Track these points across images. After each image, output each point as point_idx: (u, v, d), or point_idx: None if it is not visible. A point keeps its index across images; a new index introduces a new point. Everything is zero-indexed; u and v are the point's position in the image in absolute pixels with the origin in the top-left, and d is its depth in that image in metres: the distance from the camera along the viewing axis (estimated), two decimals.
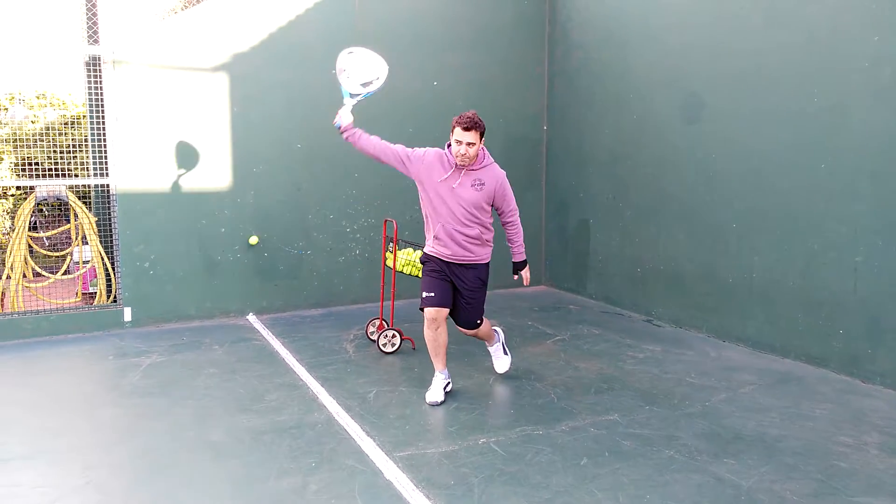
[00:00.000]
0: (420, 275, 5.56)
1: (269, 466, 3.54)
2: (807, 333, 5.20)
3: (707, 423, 4.10)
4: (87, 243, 6.34)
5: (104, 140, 6.07)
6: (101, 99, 6.03)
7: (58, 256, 6.60)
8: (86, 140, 6.33)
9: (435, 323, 4.43)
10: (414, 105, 7.29)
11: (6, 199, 8.54)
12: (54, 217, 6.82)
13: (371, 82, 4.57)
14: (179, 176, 6.33)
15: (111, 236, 6.23)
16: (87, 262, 6.43)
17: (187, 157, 6.34)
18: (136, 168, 6.15)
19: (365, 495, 3.24)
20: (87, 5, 6.09)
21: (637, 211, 6.78)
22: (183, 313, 6.47)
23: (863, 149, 4.74)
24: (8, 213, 8.37)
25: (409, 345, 5.69)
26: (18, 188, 7.92)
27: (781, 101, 5.27)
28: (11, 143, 7.14)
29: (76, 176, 6.43)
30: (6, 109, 8.64)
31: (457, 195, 4.32)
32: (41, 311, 6.02)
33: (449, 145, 4.36)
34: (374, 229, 7.23)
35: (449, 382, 4.60)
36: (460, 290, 4.47)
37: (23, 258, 6.08)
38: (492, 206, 4.43)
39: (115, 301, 6.31)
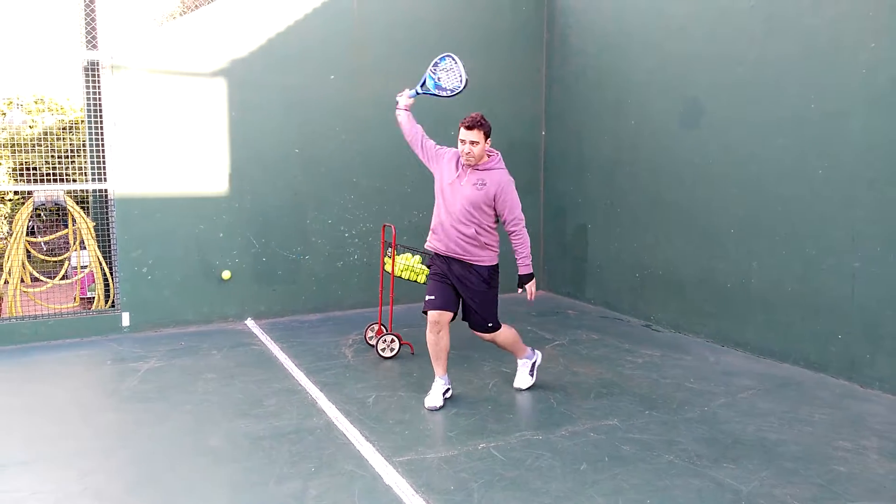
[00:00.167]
0: (418, 280, 5.58)
1: (268, 472, 3.53)
2: (805, 338, 5.21)
3: (706, 428, 4.10)
4: (84, 248, 6.33)
5: (102, 145, 6.06)
6: (100, 104, 6.03)
7: (56, 261, 6.59)
8: (84, 145, 6.33)
9: (437, 326, 4.44)
10: (413, 111, 7.27)
11: (4, 203, 8.53)
12: (52, 222, 6.81)
13: (446, 90, 4.77)
14: (177, 181, 6.32)
15: (109, 241, 6.22)
16: (85, 266, 6.41)
17: (185, 162, 6.34)
18: (134, 173, 6.15)
19: (364, 500, 3.23)
20: (85, 10, 6.09)
21: (635, 216, 6.79)
22: (181, 318, 6.45)
23: (861, 155, 4.75)
24: (6, 218, 8.36)
25: (407, 350, 5.69)
26: (16, 193, 7.91)
27: (780, 107, 5.29)
28: (9, 148, 7.13)
29: (74, 181, 6.43)
30: (4, 114, 8.63)
31: (459, 192, 4.39)
32: (39, 316, 6.01)
33: None
34: (372, 234, 7.22)
35: (449, 388, 4.59)
36: (462, 293, 4.46)
37: (21, 263, 6.07)
38: (495, 211, 4.40)
39: (113, 306, 6.29)
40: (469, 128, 4.28)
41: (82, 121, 6.76)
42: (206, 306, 6.55)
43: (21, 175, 6.38)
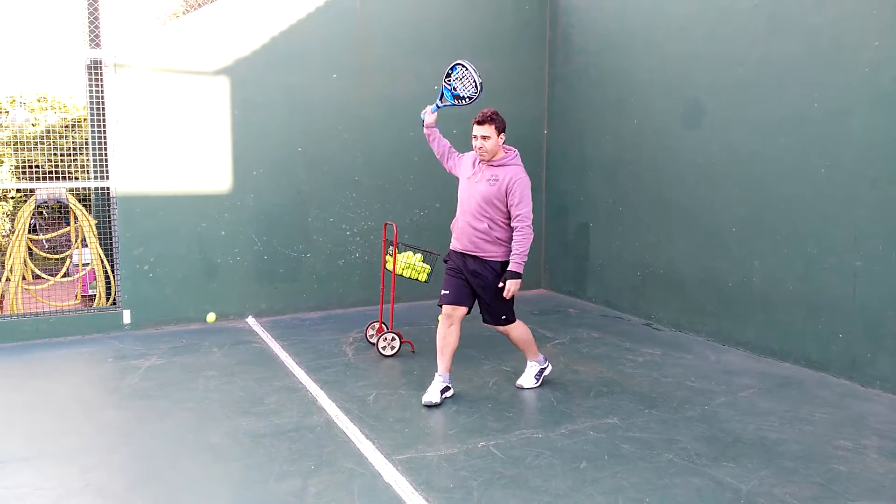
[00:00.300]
0: (419, 278, 5.59)
1: (268, 469, 3.54)
2: (806, 337, 5.20)
3: (706, 427, 4.10)
4: (86, 246, 6.34)
5: (105, 143, 6.07)
6: (102, 102, 6.04)
7: (57, 259, 6.61)
8: (86, 143, 6.34)
9: (448, 320, 4.52)
10: (415, 109, 7.26)
11: (6, 201, 8.55)
12: (54, 219, 6.83)
13: (464, 98, 4.78)
14: (180, 179, 6.33)
15: (111, 239, 6.23)
16: (87, 264, 6.43)
17: (187, 160, 6.35)
18: (137, 171, 6.16)
19: (364, 498, 3.24)
20: (88, 9, 6.11)
21: (637, 215, 6.79)
22: (182, 316, 6.47)
23: (863, 154, 4.74)
24: (8, 216, 8.38)
25: (408, 348, 5.69)
26: (18, 191, 7.93)
27: (782, 106, 5.28)
28: (12, 146, 7.15)
29: (76, 178, 6.44)
30: (7, 112, 8.65)
31: (475, 188, 4.49)
32: (41, 314, 6.02)
33: None
34: (373, 232, 7.23)
35: (449, 387, 4.58)
36: (476, 288, 4.51)
37: (22, 260, 6.08)
38: (507, 206, 4.42)
39: (114, 303, 6.31)
40: (480, 123, 4.38)
41: (85, 119, 6.78)
42: (208, 304, 6.55)
43: (23, 173, 6.40)
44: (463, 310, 4.54)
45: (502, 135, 4.45)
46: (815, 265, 5.09)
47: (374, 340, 5.79)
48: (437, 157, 4.84)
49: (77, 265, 6.56)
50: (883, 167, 4.62)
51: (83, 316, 6.14)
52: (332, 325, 6.55)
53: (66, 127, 7.82)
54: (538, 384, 4.80)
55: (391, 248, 5.53)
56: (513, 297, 4.50)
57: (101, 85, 6.02)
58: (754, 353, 5.59)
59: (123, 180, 6.12)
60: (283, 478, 3.44)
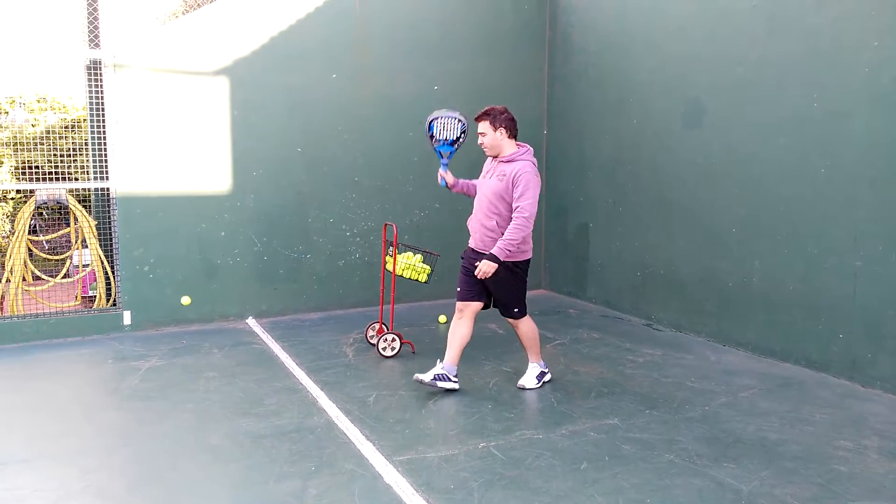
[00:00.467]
0: (420, 278, 5.59)
1: (268, 470, 3.53)
2: (807, 338, 5.20)
3: (707, 428, 4.10)
4: (86, 247, 6.34)
5: (104, 144, 6.07)
6: (102, 102, 6.04)
7: (57, 260, 6.60)
8: (86, 144, 6.34)
9: (460, 314, 4.71)
10: (415, 110, 7.29)
11: (6, 202, 8.54)
12: (54, 220, 6.82)
13: (458, 140, 4.92)
14: (179, 180, 6.33)
15: (111, 240, 6.23)
16: (87, 265, 6.43)
17: (187, 161, 6.35)
18: (137, 172, 6.15)
19: (364, 499, 3.24)
20: (88, 9, 6.10)
21: (637, 215, 6.79)
22: (182, 317, 6.46)
23: (863, 154, 4.74)
24: (8, 217, 8.38)
25: (408, 349, 5.69)
26: (18, 191, 7.93)
27: (782, 107, 5.28)
28: (12, 147, 7.15)
29: (76, 179, 6.44)
30: (7, 113, 8.65)
31: (486, 186, 4.61)
32: (41, 315, 6.02)
33: None
34: (373, 233, 7.23)
35: (447, 378, 4.62)
36: (488, 284, 4.61)
37: (22, 262, 6.08)
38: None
39: (114, 304, 6.30)
40: (477, 120, 4.58)
41: (84, 119, 6.77)
42: (208, 305, 6.55)
43: (23, 174, 6.39)
44: (474, 305, 4.67)
45: (501, 130, 4.54)
46: (816, 265, 5.09)
47: (374, 341, 5.79)
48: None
49: (77, 266, 6.56)
50: (883, 168, 4.62)
51: (83, 317, 6.13)
52: (332, 326, 6.55)
53: (66, 128, 7.82)
54: (539, 385, 4.80)
55: (391, 248, 5.53)
56: (523, 291, 4.66)
57: (101, 85, 6.02)
58: (755, 354, 5.59)
59: (123, 181, 6.11)
60: (283, 479, 3.44)
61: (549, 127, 8.05)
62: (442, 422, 4.19)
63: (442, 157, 4.85)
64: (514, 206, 4.45)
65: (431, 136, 4.86)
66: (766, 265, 5.47)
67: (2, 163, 8.22)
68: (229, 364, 5.32)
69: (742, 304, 5.70)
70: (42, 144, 6.58)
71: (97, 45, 6.05)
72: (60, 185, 6.06)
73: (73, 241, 6.35)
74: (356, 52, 6.97)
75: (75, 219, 6.25)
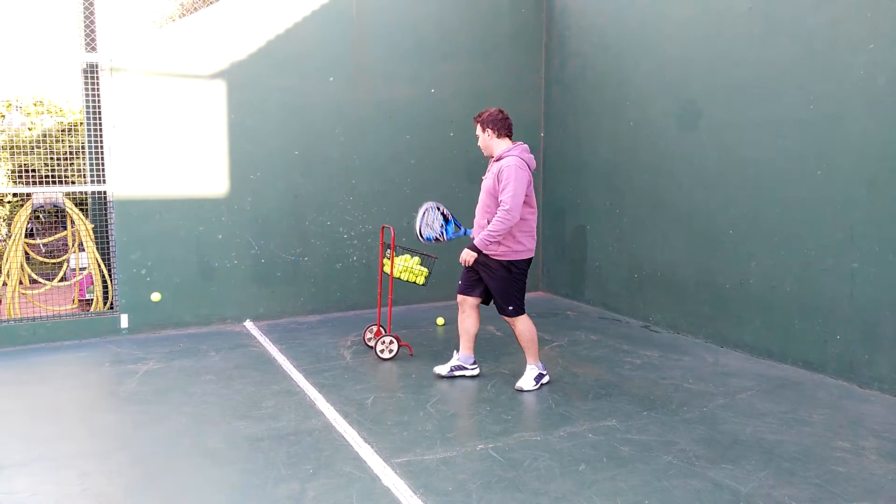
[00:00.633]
0: (417, 281, 5.59)
1: (266, 473, 3.53)
2: (804, 339, 5.21)
3: (705, 429, 4.10)
4: (83, 250, 6.33)
5: (101, 147, 6.07)
6: (99, 106, 6.03)
7: (54, 263, 6.59)
8: (83, 147, 6.33)
9: (460, 307, 4.96)
10: (412, 113, 7.31)
11: (3, 205, 8.53)
12: (51, 224, 6.81)
13: (447, 228, 5.20)
14: (176, 183, 6.33)
15: (108, 243, 6.22)
16: (84, 268, 6.41)
17: (184, 164, 6.34)
18: (134, 175, 6.15)
19: (363, 502, 3.23)
20: (84, 13, 6.10)
21: (634, 217, 6.80)
22: (180, 320, 6.45)
23: (859, 156, 4.76)
24: (4, 220, 8.36)
25: (406, 351, 5.69)
26: (15, 195, 7.92)
27: (778, 108, 5.29)
28: (8, 150, 7.14)
29: (73, 183, 6.43)
30: (3, 116, 8.64)
31: (483, 186, 4.79)
32: (37, 318, 6.01)
33: None
34: (371, 235, 7.23)
35: (460, 366, 5.00)
36: (485, 280, 4.78)
37: (19, 265, 6.07)
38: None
39: (111, 308, 6.29)
40: (474, 125, 4.83)
41: (81, 123, 6.76)
42: (205, 308, 6.55)
43: (20, 177, 6.38)
44: (471, 300, 4.89)
45: (489, 131, 4.72)
46: (812, 267, 5.10)
47: (372, 344, 5.79)
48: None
49: (74, 269, 6.55)
50: (879, 169, 4.64)
51: (80, 320, 6.12)
52: (329, 328, 6.54)
53: (63, 131, 7.81)
54: (537, 387, 4.80)
55: (389, 251, 5.53)
56: (519, 290, 4.74)
57: (98, 89, 6.01)
58: (752, 355, 5.60)
59: (120, 184, 6.11)
60: (281, 482, 3.43)
61: (546, 130, 8.06)
62: (440, 424, 4.19)
63: (456, 233, 5.17)
64: (500, 199, 4.56)
65: (436, 239, 5.14)
66: (763, 267, 5.48)
67: None
68: (227, 367, 5.32)
69: (739, 305, 5.70)
70: (39, 148, 6.57)
71: (94, 49, 6.05)
72: (57, 188, 6.05)
73: (70, 244, 6.34)
74: (353, 55, 6.97)
75: (72, 222, 6.24)
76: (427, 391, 4.74)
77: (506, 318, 4.83)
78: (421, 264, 5.64)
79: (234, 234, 6.61)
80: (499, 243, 4.62)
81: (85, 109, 6.15)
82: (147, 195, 6.22)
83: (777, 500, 3.25)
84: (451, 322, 6.76)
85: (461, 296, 4.92)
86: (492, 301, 4.87)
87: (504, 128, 4.74)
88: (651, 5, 6.44)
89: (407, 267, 5.58)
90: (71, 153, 6.60)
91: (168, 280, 6.36)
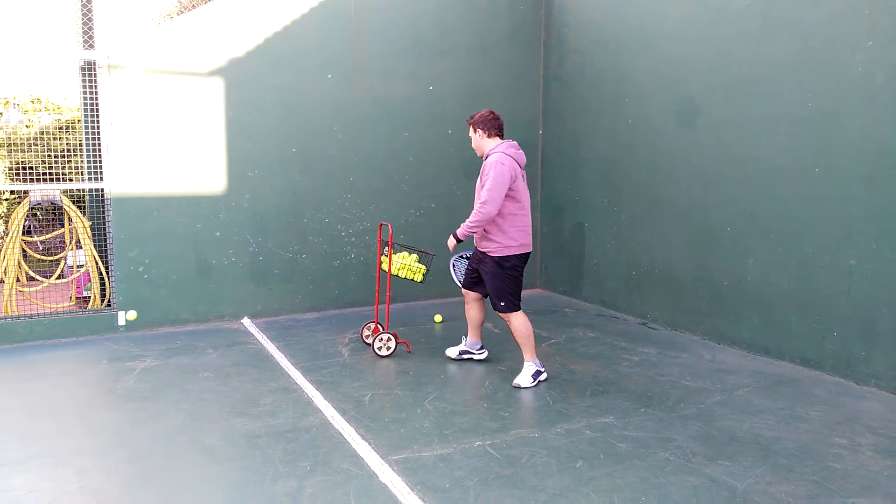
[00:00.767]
0: (415, 278, 5.59)
1: (263, 470, 3.53)
2: (801, 336, 5.22)
3: (702, 426, 4.10)
4: (81, 247, 6.32)
5: (99, 144, 6.06)
6: (96, 103, 6.02)
7: (52, 261, 6.58)
8: (80, 144, 6.32)
9: (465, 299, 5.23)
10: (410, 110, 7.30)
11: (0, 203, 8.52)
12: (48, 221, 6.80)
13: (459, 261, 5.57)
14: (174, 180, 6.32)
15: (105, 240, 6.21)
16: (81, 266, 6.41)
17: (182, 161, 6.34)
18: (131, 172, 6.14)
19: (360, 499, 3.23)
20: (82, 10, 6.08)
21: (632, 214, 6.80)
22: (177, 317, 6.45)
23: (857, 153, 4.76)
24: (2, 218, 8.35)
25: (404, 348, 5.69)
26: (12, 192, 7.90)
27: (776, 106, 5.29)
28: (6, 148, 7.13)
29: (70, 180, 6.42)
30: (1, 114, 8.62)
31: (476, 187, 4.91)
32: (35, 316, 6.00)
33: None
34: (369, 233, 7.23)
35: (467, 350, 5.36)
36: (481, 275, 4.94)
37: (16, 262, 6.06)
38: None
39: (109, 305, 6.29)
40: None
41: (79, 120, 6.76)
42: (203, 305, 6.54)
43: (17, 174, 6.37)
44: (472, 294, 5.14)
45: (479, 131, 4.87)
46: (810, 264, 5.11)
47: (369, 341, 5.79)
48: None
49: (71, 267, 6.54)
50: (876, 166, 4.64)
51: (78, 318, 6.12)
52: (327, 325, 6.54)
53: (60, 128, 7.80)
54: (534, 384, 4.80)
55: (387, 248, 5.52)
56: (511, 286, 4.80)
57: (95, 86, 6.00)
58: (749, 352, 5.60)
59: (118, 182, 6.10)
60: (278, 479, 3.43)
61: (545, 127, 8.06)
62: (437, 421, 4.19)
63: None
64: (481, 193, 4.72)
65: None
66: (761, 264, 5.48)
67: None
68: (224, 364, 5.31)
69: (737, 302, 5.71)
70: (36, 145, 6.56)
71: (91, 46, 6.04)
72: (55, 185, 6.04)
73: (68, 241, 6.33)
74: (351, 52, 6.96)
75: (69, 219, 6.23)
76: (424, 388, 4.75)
77: (500, 314, 4.87)
78: (419, 262, 5.64)
79: (231, 231, 6.60)
80: (489, 240, 4.77)
81: (82, 107, 6.14)
82: (144, 192, 6.21)
83: (774, 496, 3.26)
84: (449, 319, 6.77)
85: (464, 289, 5.19)
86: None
87: (494, 127, 4.86)
88: (649, 2, 6.43)
89: (405, 264, 5.58)
90: (68, 150, 6.59)
91: (166, 277, 6.36)
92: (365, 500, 3.22)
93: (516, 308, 4.84)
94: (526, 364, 4.86)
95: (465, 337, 5.46)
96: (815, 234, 5.06)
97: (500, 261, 4.76)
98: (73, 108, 9.06)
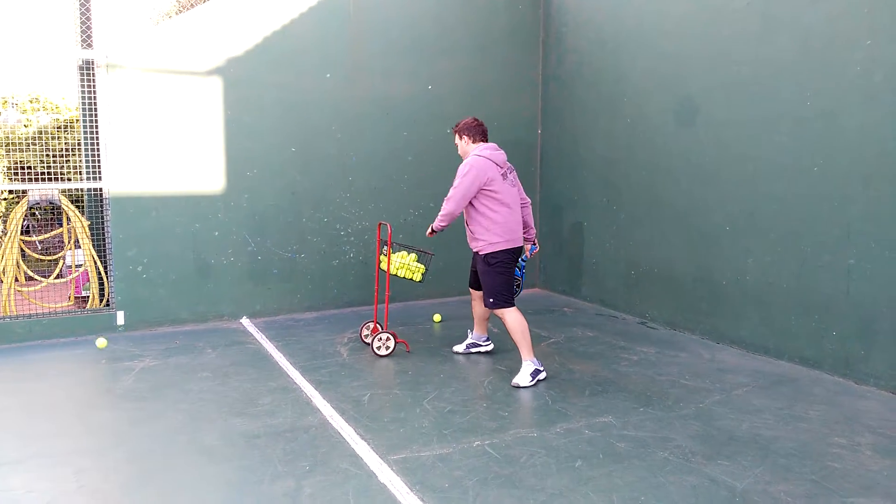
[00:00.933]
0: (414, 278, 5.58)
1: (262, 470, 3.52)
2: (800, 335, 5.22)
3: (701, 425, 4.10)
4: (79, 247, 6.31)
5: (97, 144, 6.05)
6: (95, 103, 6.02)
7: (50, 260, 6.58)
8: (79, 144, 6.31)
9: (471, 296, 5.45)
10: (409, 110, 7.30)
11: None
12: (47, 221, 6.80)
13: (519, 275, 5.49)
14: (173, 180, 6.31)
15: (104, 240, 6.21)
16: (80, 265, 6.40)
17: (181, 161, 6.33)
18: (130, 172, 6.13)
19: (359, 499, 3.23)
20: (80, 9, 6.07)
21: (631, 214, 6.80)
22: (176, 317, 6.44)
23: (856, 153, 4.76)
24: (0, 217, 8.34)
25: (403, 348, 5.69)
26: (11, 192, 7.89)
27: (775, 105, 5.29)
28: (4, 147, 7.12)
29: (69, 180, 6.41)
30: None
31: None
32: (33, 315, 6.00)
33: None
34: (368, 232, 7.22)
35: (474, 343, 5.52)
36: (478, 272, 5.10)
37: (15, 262, 6.05)
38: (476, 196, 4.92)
39: (107, 305, 6.28)
40: None
41: (77, 119, 6.75)
42: (202, 305, 6.54)
43: (16, 174, 6.36)
44: (476, 292, 5.35)
45: (465, 137, 5.03)
46: (809, 263, 5.11)
47: (368, 340, 5.78)
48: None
49: (70, 266, 6.53)
50: (876, 165, 4.64)
51: (76, 317, 6.11)
52: (326, 325, 6.54)
53: (59, 128, 7.79)
54: (533, 383, 4.80)
55: (385, 247, 5.52)
56: (499, 283, 4.88)
57: (94, 85, 6.00)
58: (748, 351, 5.60)
59: (116, 181, 6.09)
60: (277, 479, 3.43)
61: (543, 126, 8.05)
62: (436, 420, 4.19)
63: (525, 259, 5.39)
64: None
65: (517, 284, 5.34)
66: (760, 263, 5.48)
67: None
68: (223, 364, 5.31)
69: (736, 301, 5.71)
70: (34, 145, 6.55)
71: (90, 46, 6.03)
72: (53, 185, 6.03)
73: (66, 241, 6.32)
74: (350, 51, 6.96)
75: (68, 219, 6.22)
76: (423, 388, 4.75)
77: (493, 311, 4.95)
78: (418, 261, 5.64)
79: (230, 230, 6.60)
80: (476, 239, 4.94)
81: (81, 106, 6.13)
82: (143, 192, 6.21)
83: (773, 495, 3.25)
84: (448, 319, 6.76)
85: (471, 288, 5.42)
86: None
87: (478, 133, 5.03)
88: (648, 2, 6.43)
89: (404, 263, 5.57)
90: (67, 150, 6.58)
91: (164, 277, 6.35)
92: (364, 500, 3.21)
93: (507, 304, 4.89)
94: (524, 363, 4.85)
95: (471, 331, 5.59)
96: (815, 234, 5.06)
97: (487, 258, 4.89)
98: (71, 107, 9.05)
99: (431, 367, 5.24)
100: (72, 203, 6.24)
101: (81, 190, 6.44)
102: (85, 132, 6.10)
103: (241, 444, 3.84)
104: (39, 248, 6.88)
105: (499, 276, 4.88)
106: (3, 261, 6.02)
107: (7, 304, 6.03)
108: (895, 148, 4.52)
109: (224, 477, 3.48)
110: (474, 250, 5.02)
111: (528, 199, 5.25)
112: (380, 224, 5.77)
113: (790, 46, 5.15)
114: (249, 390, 4.72)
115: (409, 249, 5.77)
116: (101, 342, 5.80)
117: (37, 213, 6.87)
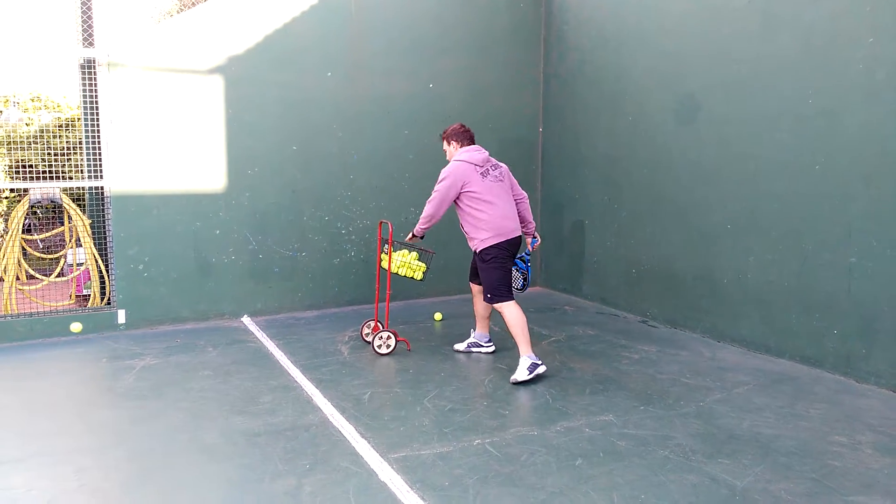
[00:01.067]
0: (415, 276, 5.59)
1: (263, 468, 3.53)
2: (801, 334, 5.21)
3: (702, 424, 4.10)
4: (80, 245, 6.32)
5: (98, 142, 6.05)
6: (96, 101, 6.02)
7: (51, 259, 6.59)
8: (80, 142, 6.32)
9: (472, 292, 5.48)
10: (410, 108, 7.30)
11: (0, 201, 8.52)
12: (48, 219, 6.80)
13: (524, 269, 5.63)
14: (174, 178, 6.32)
15: (105, 238, 6.21)
16: (81, 264, 6.41)
17: (182, 159, 6.33)
18: (131, 170, 6.14)
19: (359, 497, 3.23)
20: (82, 8, 6.08)
21: (632, 212, 6.79)
22: (177, 315, 6.45)
23: (858, 151, 4.75)
24: (1, 216, 8.35)
25: (403, 346, 5.69)
26: (12, 190, 7.90)
27: (777, 103, 5.28)
28: (6, 146, 7.12)
29: (70, 178, 6.42)
30: (0, 112, 8.62)
31: None
32: (34, 314, 6.00)
33: None
34: (369, 231, 7.22)
35: (476, 343, 5.51)
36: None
37: (16, 260, 6.06)
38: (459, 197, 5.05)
39: (108, 303, 6.29)
40: None
41: (79, 118, 6.75)
42: (203, 303, 6.54)
43: (17, 172, 6.37)
44: (476, 287, 5.38)
45: (453, 143, 5.16)
46: (810, 261, 5.10)
47: (369, 339, 5.79)
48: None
49: (71, 265, 6.54)
50: (877, 164, 4.63)
51: (77, 316, 6.12)
52: (327, 323, 6.54)
53: (60, 126, 7.79)
54: (531, 376, 4.79)
55: (386, 246, 5.52)
56: (495, 278, 4.96)
57: (95, 84, 6.00)
58: (749, 350, 5.60)
59: (117, 180, 6.10)
60: (278, 477, 3.43)
61: (545, 124, 8.05)
62: (437, 419, 4.19)
63: (529, 254, 5.52)
64: None
65: (524, 280, 5.51)
66: (761, 261, 5.47)
67: None
68: (224, 362, 5.32)
69: (737, 300, 5.70)
70: (36, 143, 6.56)
71: (91, 44, 6.03)
72: (54, 183, 6.04)
73: (68, 239, 6.33)
74: (351, 50, 6.96)
75: (69, 217, 6.23)
76: (424, 386, 4.75)
77: (493, 306, 5.09)
78: (419, 259, 5.64)
79: (231, 229, 6.60)
80: (469, 238, 5.06)
81: (82, 105, 6.13)
82: (144, 190, 6.21)
83: (773, 494, 3.25)
84: (449, 317, 6.76)
85: (471, 283, 5.48)
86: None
87: (465, 138, 5.15)
88: (649, 0, 6.42)
89: (405, 262, 5.58)
90: (68, 148, 6.59)
91: (165, 275, 6.36)
92: (364, 499, 3.22)
93: (506, 298, 4.95)
94: (522, 358, 4.85)
95: (474, 330, 5.61)
96: (816, 232, 5.05)
97: (482, 254, 5.00)
98: (72, 105, 9.06)
99: (432, 365, 5.24)
100: (73, 201, 6.25)
101: (83, 188, 6.44)
102: (86, 131, 6.10)
103: (241, 443, 3.84)
104: (41, 246, 6.89)
105: (495, 271, 4.96)
106: (5, 259, 6.03)
107: (8, 303, 6.04)
108: None
109: (225, 475, 3.48)
110: (472, 249, 5.13)
111: (525, 194, 5.30)
112: (381, 222, 5.76)
113: (791, 44, 5.14)
114: (250, 389, 4.72)
115: (410, 248, 5.77)
116: (75, 326, 5.94)
117: (38, 211, 6.87)
